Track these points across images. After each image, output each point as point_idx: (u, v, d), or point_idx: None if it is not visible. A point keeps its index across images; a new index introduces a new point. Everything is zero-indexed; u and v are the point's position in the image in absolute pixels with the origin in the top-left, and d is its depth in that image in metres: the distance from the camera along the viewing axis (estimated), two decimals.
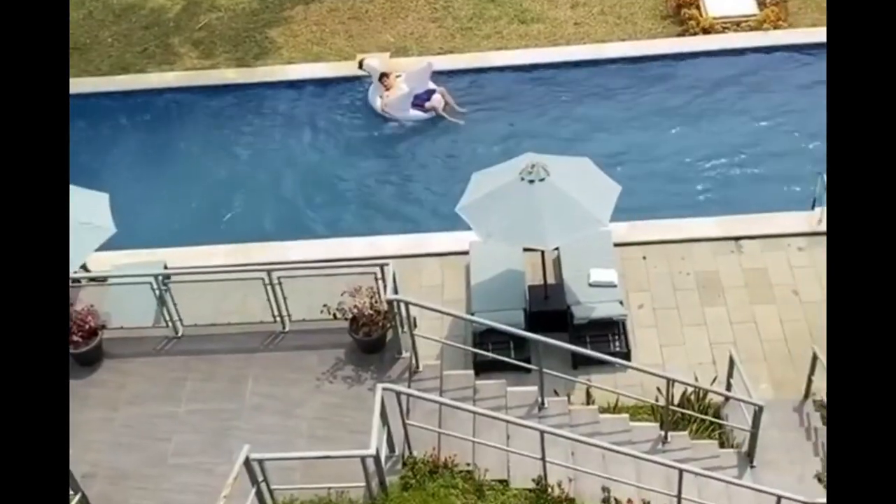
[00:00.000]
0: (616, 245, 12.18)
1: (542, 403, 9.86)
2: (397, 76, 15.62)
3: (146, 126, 16.01)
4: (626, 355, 11.12)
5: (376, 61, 15.75)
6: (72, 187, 11.15)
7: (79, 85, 16.38)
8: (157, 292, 10.11)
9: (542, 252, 11.33)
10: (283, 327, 10.29)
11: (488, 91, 15.75)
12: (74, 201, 10.79)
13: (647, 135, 14.65)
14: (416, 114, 15.47)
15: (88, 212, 10.87)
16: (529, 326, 11.00)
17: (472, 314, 11.18)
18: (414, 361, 9.90)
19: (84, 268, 11.14)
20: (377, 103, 15.59)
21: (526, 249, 11.82)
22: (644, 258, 12.58)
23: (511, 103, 15.46)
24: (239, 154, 15.26)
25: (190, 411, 9.59)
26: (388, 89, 15.53)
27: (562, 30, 16.28)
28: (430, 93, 15.62)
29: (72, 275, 10.15)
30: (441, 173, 14.59)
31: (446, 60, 16.11)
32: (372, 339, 9.83)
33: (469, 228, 11.25)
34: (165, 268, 11.88)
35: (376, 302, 9.80)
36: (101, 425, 9.53)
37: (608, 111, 15.06)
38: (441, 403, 9.07)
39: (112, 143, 15.70)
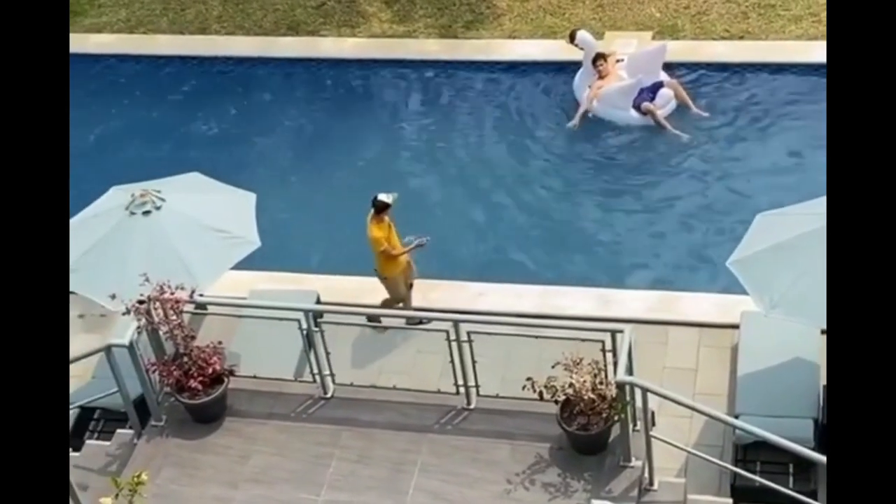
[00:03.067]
0: None
1: None
2: (618, 60, 15.60)
3: (308, 106, 16.84)
4: None
5: (593, 37, 15.78)
6: (208, 180, 11.99)
7: (228, 45, 17.43)
8: (305, 333, 10.49)
9: None
10: (469, 402, 10.45)
11: (780, 96, 15.50)
12: (210, 200, 11.61)
13: None
14: (635, 115, 15.45)
15: (226, 216, 11.50)
16: (821, 446, 10.61)
17: (737, 417, 10.92)
18: (647, 474, 9.79)
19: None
20: (584, 95, 15.65)
21: (825, 332, 11.43)
22: None
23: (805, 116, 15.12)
24: (429, 158, 15.80)
25: (332, 502, 9.85)
26: (602, 77, 15.56)
27: None
28: (657, 87, 15.52)
29: (197, 298, 10.71)
30: (701, 205, 14.50)
31: (731, 49, 15.97)
32: (590, 435, 9.80)
33: (744, 292, 11.02)
34: (318, 301, 12.35)
35: (601, 383, 9.78)
36: None
37: None
38: None
39: (263, 127, 16.60)
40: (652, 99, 15.41)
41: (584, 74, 15.76)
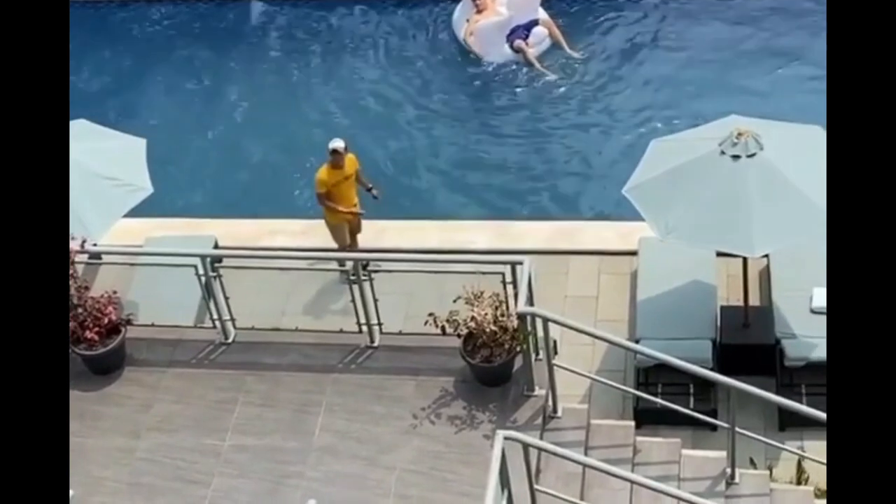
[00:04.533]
0: None
1: (733, 476, 9.78)
2: None
3: (199, 45, 16.75)
4: None
5: None
6: (95, 127, 11.81)
7: None
8: (204, 279, 10.46)
9: (745, 260, 11.21)
10: (372, 341, 10.53)
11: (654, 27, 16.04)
12: (98, 147, 11.44)
13: None
14: (508, 52, 15.76)
15: (117, 163, 11.36)
16: (719, 365, 10.91)
17: (637, 341, 11.16)
18: (551, 402, 9.98)
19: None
20: (461, 30, 15.80)
21: (720, 255, 11.70)
22: None
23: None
24: (308, 97, 15.93)
25: (238, 447, 9.91)
26: (479, 12, 15.77)
27: None
28: (531, 25, 15.76)
29: (90, 248, 10.60)
30: (595, 137, 14.98)
31: None
32: (494, 367, 9.94)
33: (640, 219, 11.22)
34: (216, 247, 12.29)
35: (502, 315, 9.91)
36: (117, 458, 9.95)
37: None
38: (586, 465, 9.10)
39: (145, 69, 16.41)
40: (526, 37, 15.65)
41: (463, 8, 15.93)
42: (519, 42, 15.60)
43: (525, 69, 15.76)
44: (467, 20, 15.83)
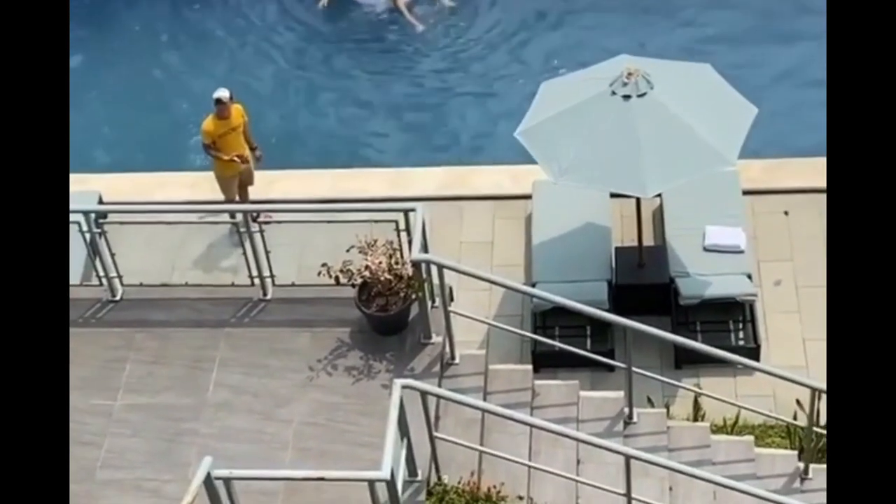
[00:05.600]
0: (746, 193, 12.14)
1: (630, 416, 9.94)
2: None
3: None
4: (755, 352, 11.15)
5: None
6: None
7: None
8: (88, 236, 10.27)
9: (638, 200, 11.35)
10: (264, 293, 10.44)
11: None
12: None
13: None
14: None
15: None
16: (615, 306, 11.06)
17: (534, 285, 11.25)
18: (448, 349, 10.01)
19: None
20: None
21: (614, 195, 11.83)
22: (786, 213, 12.54)
23: None
24: (183, 48, 15.89)
25: (129, 406, 9.78)
26: None
27: None
28: None
29: None
30: (487, 79, 15.13)
31: None
32: (389, 316, 9.94)
33: (533, 162, 11.28)
34: (100, 202, 12.08)
35: (397, 263, 9.89)
36: None
37: None
38: (485, 410, 9.17)
39: None
40: None
41: None
42: None
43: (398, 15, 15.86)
44: None
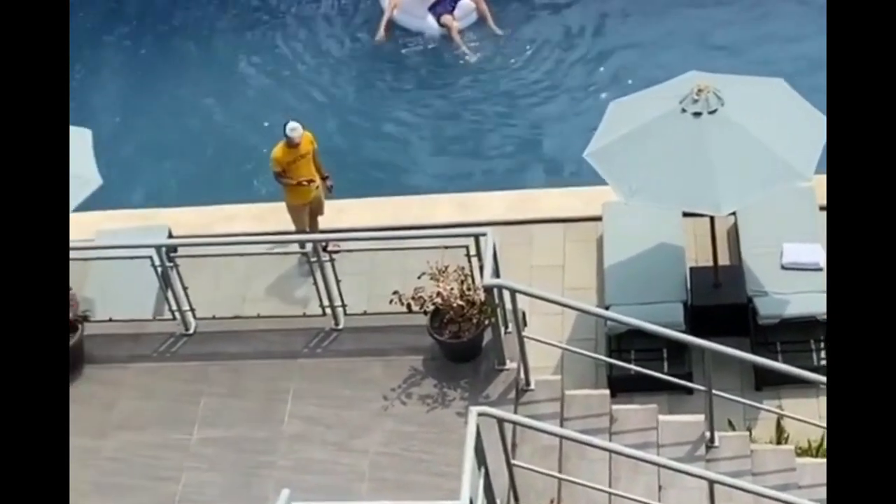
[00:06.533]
0: (823, 209, 12.04)
1: (712, 440, 9.84)
2: None
3: (134, 28, 16.62)
4: None
5: None
6: None
7: None
8: (160, 270, 10.40)
9: (712, 219, 11.28)
10: (337, 323, 10.49)
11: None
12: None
13: None
14: (433, 24, 15.86)
15: None
16: (692, 327, 10.98)
17: (607, 308, 11.21)
18: (523, 375, 9.99)
19: None
20: (386, 3, 16.00)
21: (687, 215, 11.77)
22: None
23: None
24: (236, 84, 15.99)
25: (206, 440, 9.86)
26: None
27: None
28: None
29: None
30: (544, 105, 15.11)
31: None
32: (463, 342, 9.94)
33: (601, 183, 11.26)
34: (170, 236, 12.22)
35: (468, 288, 9.90)
36: (83, 458, 9.83)
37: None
38: (563, 437, 9.13)
39: (87, 54, 16.25)
40: (452, 9, 15.74)
41: None
42: (446, 17, 15.74)
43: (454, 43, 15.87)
44: None
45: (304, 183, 12.11)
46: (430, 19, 15.84)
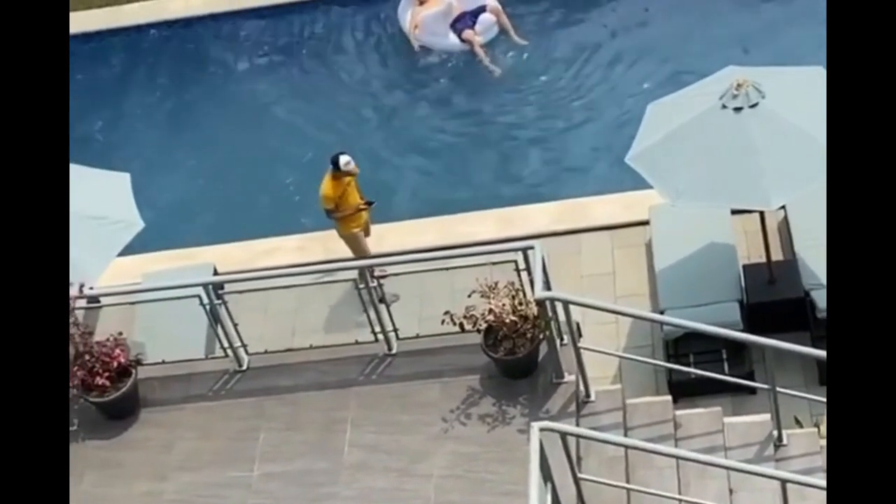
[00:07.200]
0: None
1: (780, 439, 9.75)
2: None
3: (166, 73, 16.72)
4: None
5: None
6: (74, 167, 11.72)
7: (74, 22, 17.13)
8: (209, 308, 10.44)
9: (762, 214, 11.20)
10: (390, 348, 10.49)
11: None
12: (81, 187, 11.33)
13: None
14: (455, 42, 15.80)
15: (104, 201, 11.33)
16: (749, 326, 10.89)
17: (662, 312, 11.15)
18: (582, 387, 9.95)
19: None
20: (406, 21, 15.96)
21: (735, 212, 11.68)
22: None
23: None
24: (265, 115, 15.94)
25: (267, 475, 9.87)
26: (421, 3, 15.89)
27: None
28: (478, 11, 15.85)
29: (88, 292, 10.57)
30: (574, 113, 15.02)
31: None
32: (518, 358, 9.91)
33: (644, 186, 11.19)
34: (215, 273, 12.26)
35: (520, 303, 9.88)
36: (145, 503, 9.92)
37: None
38: (628, 446, 9.08)
39: (121, 100, 16.43)
40: (473, 24, 15.72)
41: (406, 1, 15.97)
42: (468, 32, 15.69)
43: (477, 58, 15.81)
44: (411, 12, 15.91)
45: (363, 206, 12.06)
46: (452, 36, 15.81)
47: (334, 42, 16.71)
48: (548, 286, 9.68)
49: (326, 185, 12.04)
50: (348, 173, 11.98)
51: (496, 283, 9.93)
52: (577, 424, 9.57)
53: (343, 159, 11.94)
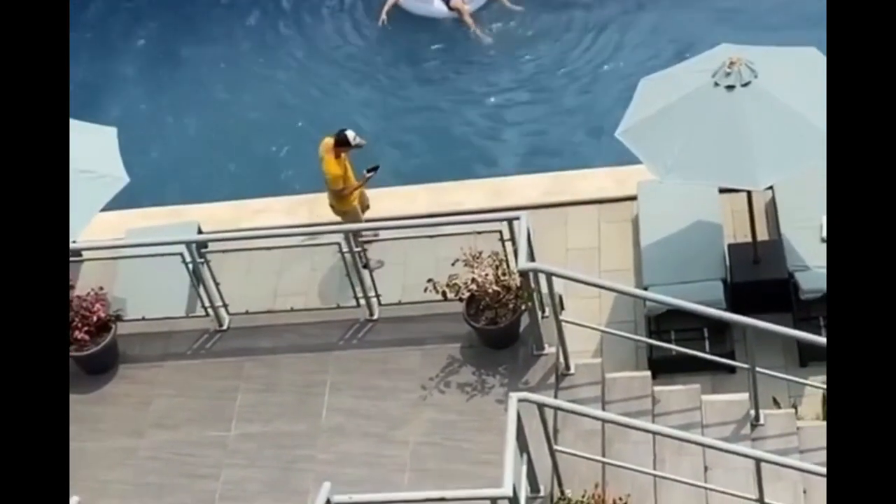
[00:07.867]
0: None
1: (757, 418, 9.85)
2: None
3: (155, 26, 16.62)
4: None
5: None
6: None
7: None
8: (191, 267, 10.47)
9: (749, 194, 11.24)
10: (371, 314, 10.55)
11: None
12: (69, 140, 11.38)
13: None
14: (441, 8, 15.75)
15: (90, 155, 11.30)
16: (732, 305, 10.96)
17: (646, 289, 11.19)
18: (562, 359, 10.02)
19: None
20: None
21: (723, 191, 11.73)
22: None
23: None
24: (248, 79, 15.86)
25: (244, 436, 9.95)
26: None
27: None
28: None
29: (70, 245, 10.59)
30: (562, 84, 14.96)
31: None
32: (500, 328, 9.98)
33: (634, 162, 11.21)
34: (200, 232, 12.29)
35: (504, 274, 9.93)
36: (121, 458, 10.00)
37: None
38: (605, 420, 9.15)
39: (110, 49, 16.35)
40: None
41: None
42: (455, 0, 15.61)
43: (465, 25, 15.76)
44: None
45: (370, 174, 11.70)
46: (439, 3, 15.70)
47: (314, 8, 16.58)
48: (532, 257, 9.73)
49: (331, 165, 11.55)
50: (359, 146, 11.71)
51: (480, 253, 9.98)
52: (556, 396, 9.65)
53: (351, 134, 11.50)
